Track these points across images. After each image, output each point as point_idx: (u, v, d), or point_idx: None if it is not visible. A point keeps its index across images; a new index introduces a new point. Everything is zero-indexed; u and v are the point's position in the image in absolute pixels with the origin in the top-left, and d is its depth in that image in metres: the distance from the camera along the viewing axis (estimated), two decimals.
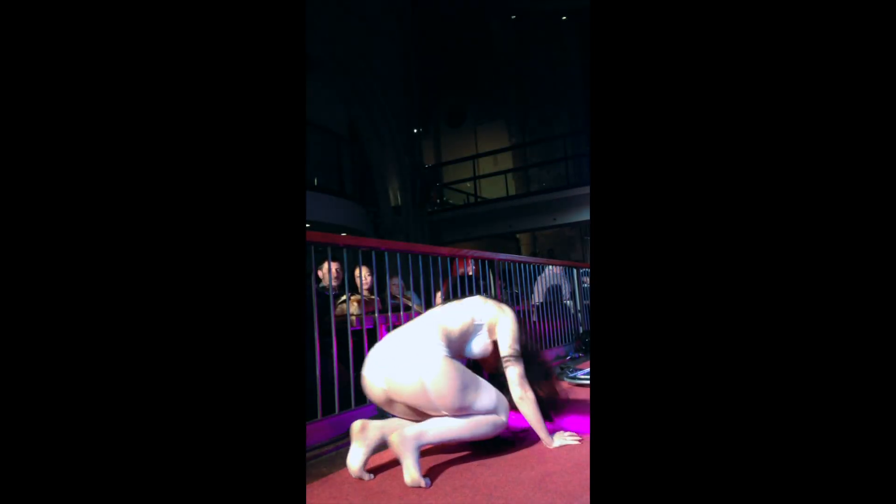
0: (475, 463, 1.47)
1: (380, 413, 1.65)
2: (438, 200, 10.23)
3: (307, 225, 3.78)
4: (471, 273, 3.31)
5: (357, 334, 2.21)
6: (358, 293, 2.68)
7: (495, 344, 1.64)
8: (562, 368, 2.97)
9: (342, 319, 2.19)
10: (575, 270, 4.42)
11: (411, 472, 1.32)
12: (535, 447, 1.59)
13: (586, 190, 7.98)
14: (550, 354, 3.63)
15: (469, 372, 1.53)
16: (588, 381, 2.57)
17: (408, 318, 2.57)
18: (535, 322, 3.60)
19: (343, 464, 1.53)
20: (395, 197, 8.48)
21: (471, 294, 3.15)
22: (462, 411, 1.45)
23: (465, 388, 1.46)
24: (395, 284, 2.75)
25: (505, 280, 3.38)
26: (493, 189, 10.17)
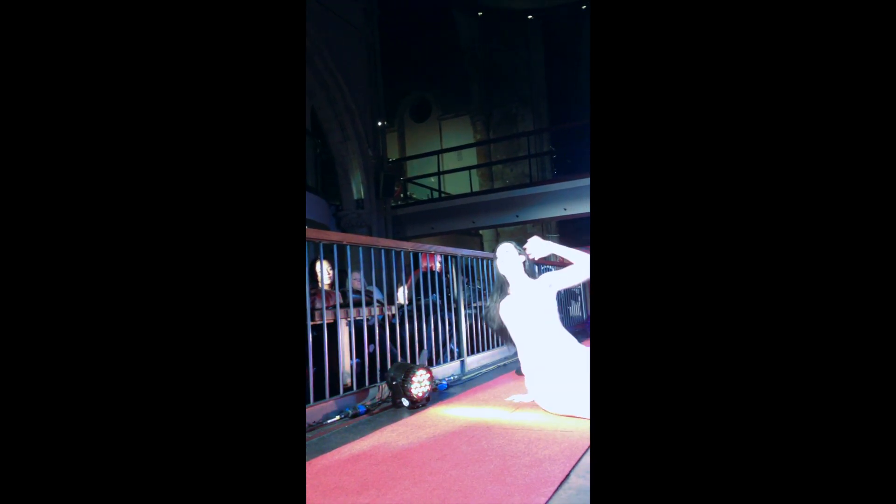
0: (435, 457, 1.48)
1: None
2: (402, 195, 10.17)
3: None
4: (437, 269, 3.31)
5: (317, 328, 2.18)
6: (318, 287, 2.63)
7: None
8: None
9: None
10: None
11: None
12: (495, 442, 1.61)
13: (548, 188, 8.10)
14: (511, 349, 3.67)
15: None
16: None
17: (369, 314, 2.55)
18: None
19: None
20: (357, 190, 8.37)
21: (434, 291, 3.15)
22: None
23: None
24: (356, 279, 2.72)
25: (468, 276, 3.39)
26: (457, 185, 10.19)
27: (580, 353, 1.97)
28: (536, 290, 2.15)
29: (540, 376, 1.99)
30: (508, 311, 2.16)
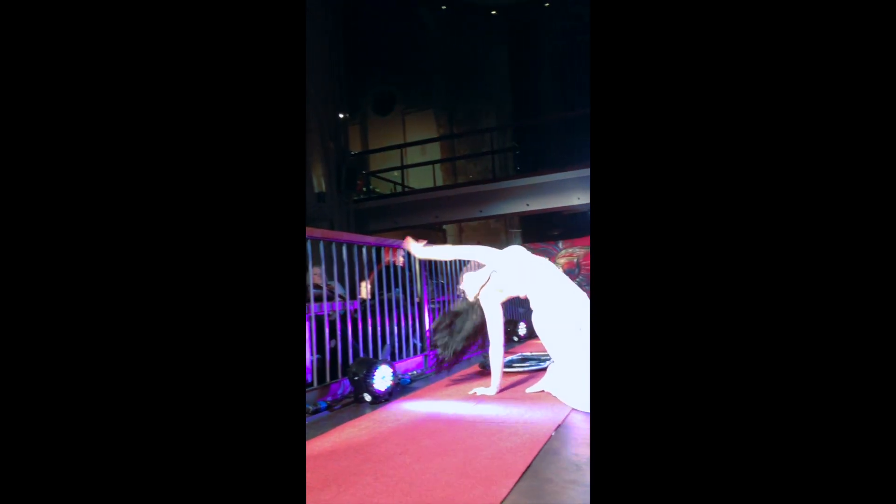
0: (397, 451, 1.47)
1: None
2: (364, 188, 10.05)
3: None
4: (400, 263, 3.29)
5: None
6: None
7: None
8: (485, 357, 3.03)
9: None
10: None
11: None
12: (458, 435, 1.61)
13: (511, 183, 8.18)
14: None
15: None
16: (513, 370, 2.65)
17: (330, 309, 2.51)
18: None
19: None
20: (318, 183, 8.21)
21: (397, 285, 3.13)
22: None
23: None
24: (316, 273, 2.67)
25: (430, 271, 3.39)
26: (420, 179, 10.14)
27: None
28: (520, 252, 2.26)
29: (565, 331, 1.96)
30: (521, 279, 2.16)
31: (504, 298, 2.22)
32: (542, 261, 2.21)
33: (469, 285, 2.29)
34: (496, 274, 2.20)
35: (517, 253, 2.24)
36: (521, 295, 2.18)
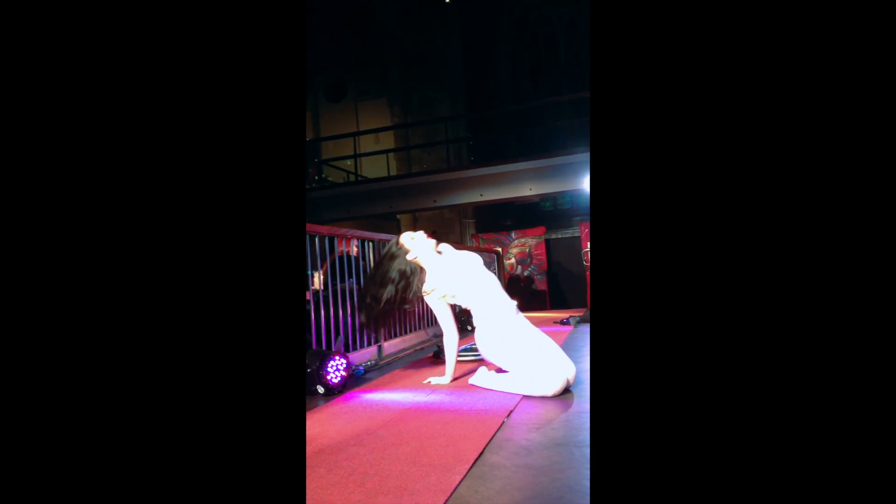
0: (351, 443, 1.47)
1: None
2: (317, 177, 9.85)
3: None
4: (354, 253, 3.25)
5: None
6: None
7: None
8: (439, 346, 3.06)
9: None
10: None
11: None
12: (412, 424, 1.63)
13: (465, 174, 8.21)
14: (428, 334, 3.72)
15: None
16: (466, 358, 2.68)
17: None
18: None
19: None
20: None
21: (350, 276, 3.10)
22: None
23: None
24: None
25: None
26: (374, 168, 10.03)
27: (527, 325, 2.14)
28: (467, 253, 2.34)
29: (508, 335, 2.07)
30: (469, 276, 2.20)
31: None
32: (488, 277, 2.23)
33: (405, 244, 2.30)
34: (440, 285, 2.21)
35: (467, 266, 2.24)
36: (463, 306, 2.23)
